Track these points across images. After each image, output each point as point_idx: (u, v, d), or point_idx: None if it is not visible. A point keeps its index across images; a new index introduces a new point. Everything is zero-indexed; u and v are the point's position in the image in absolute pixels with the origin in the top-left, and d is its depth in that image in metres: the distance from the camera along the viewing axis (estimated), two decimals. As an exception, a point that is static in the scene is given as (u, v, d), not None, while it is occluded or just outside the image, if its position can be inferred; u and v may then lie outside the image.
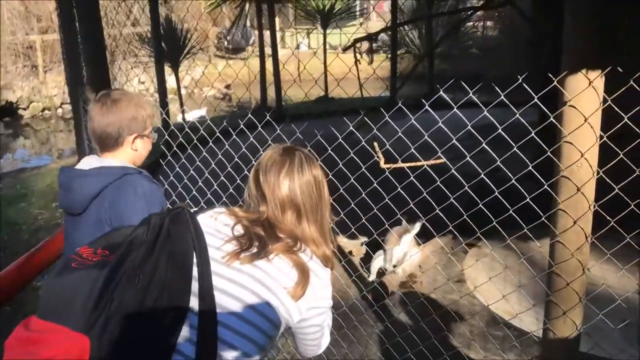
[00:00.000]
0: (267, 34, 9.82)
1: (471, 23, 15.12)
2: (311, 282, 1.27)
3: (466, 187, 1.94)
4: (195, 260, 1.23)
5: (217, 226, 1.34)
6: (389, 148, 2.33)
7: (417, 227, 3.68)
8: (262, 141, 2.15)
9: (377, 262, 3.84)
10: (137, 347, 1.11)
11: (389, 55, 10.47)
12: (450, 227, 2.29)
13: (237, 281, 1.23)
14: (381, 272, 3.91)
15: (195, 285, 1.20)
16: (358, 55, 5.79)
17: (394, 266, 3.77)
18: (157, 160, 4.37)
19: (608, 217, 1.71)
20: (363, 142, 2.41)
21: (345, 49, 6.33)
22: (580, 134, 1.56)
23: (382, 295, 3.50)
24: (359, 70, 5.21)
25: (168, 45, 9.37)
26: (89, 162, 1.81)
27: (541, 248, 3.78)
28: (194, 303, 1.19)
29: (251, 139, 2.41)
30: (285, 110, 9.81)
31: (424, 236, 3.83)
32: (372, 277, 3.87)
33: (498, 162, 1.86)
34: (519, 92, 1.86)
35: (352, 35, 5.54)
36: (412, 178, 2.15)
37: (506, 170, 1.94)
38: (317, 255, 1.34)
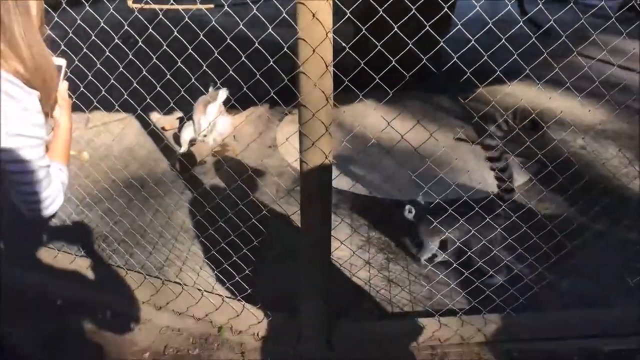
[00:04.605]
0: None
1: None
2: (3, 103, 1.08)
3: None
4: None
5: None
6: None
7: (222, 95, 3.61)
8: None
9: (187, 133, 3.75)
10: None
11: None
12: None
13: None
14: (193, 144, 3.84)
15: None
16: None
17: (204, 136, 3.71)
18: None
19: (346, 47, 1.74)
20: None
21: None
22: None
23: (187, 165, 3.46)
24: None
25: None
26: None
27: (345, 112, 3.99)
28: None
29: None
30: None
31: (241, 104, 3.76)
32: (184, 148, 3.79)
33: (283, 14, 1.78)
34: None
35: None
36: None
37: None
38: (9, 72, 1.12)
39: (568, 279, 2.43)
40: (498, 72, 1.74)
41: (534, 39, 1.64)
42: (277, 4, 1.86)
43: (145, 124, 4.06)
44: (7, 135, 1.10)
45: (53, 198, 1.27)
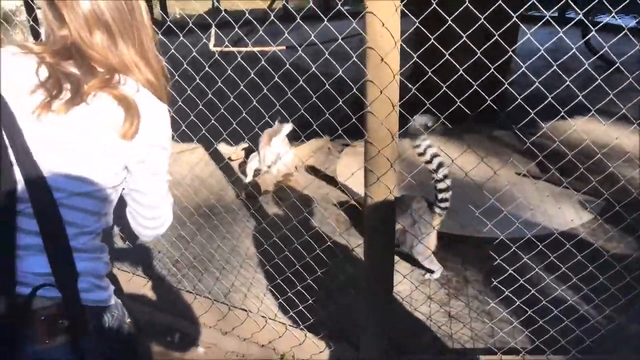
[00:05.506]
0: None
1: None
2: (143, 117, 1.14)
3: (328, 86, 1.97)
4: None
5: (10, 76, 1.09)
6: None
7: (287, 128, 3.75)
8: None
9: (253, 164, 3.91)
10: None
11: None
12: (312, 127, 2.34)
13: (57, 139, 1.09)
14: (258, 174, 4.00)
15: (9, 158, 1.06)
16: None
17: (268, 167, 3.86)
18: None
19: (411, 86, 1.82)
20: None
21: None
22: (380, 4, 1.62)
23: (255, 194, 3.60)
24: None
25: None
26: None
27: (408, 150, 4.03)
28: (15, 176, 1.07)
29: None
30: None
31: (306, 137, 3.88)
32: (249, 178, 3.95)
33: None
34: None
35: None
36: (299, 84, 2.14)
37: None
38: (142, 83, 1.19)
39: (638, 322, 2.35)
40: (562, 113, 1.76)
41: (599, 80, 1.66)
42: (343, 43, 1.96)
43: (214, 154, 4.27)
44: (146, 146, 1.17)
45: (165, 217, 1.33)
